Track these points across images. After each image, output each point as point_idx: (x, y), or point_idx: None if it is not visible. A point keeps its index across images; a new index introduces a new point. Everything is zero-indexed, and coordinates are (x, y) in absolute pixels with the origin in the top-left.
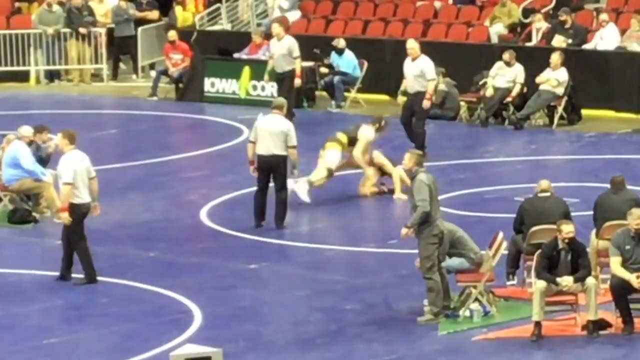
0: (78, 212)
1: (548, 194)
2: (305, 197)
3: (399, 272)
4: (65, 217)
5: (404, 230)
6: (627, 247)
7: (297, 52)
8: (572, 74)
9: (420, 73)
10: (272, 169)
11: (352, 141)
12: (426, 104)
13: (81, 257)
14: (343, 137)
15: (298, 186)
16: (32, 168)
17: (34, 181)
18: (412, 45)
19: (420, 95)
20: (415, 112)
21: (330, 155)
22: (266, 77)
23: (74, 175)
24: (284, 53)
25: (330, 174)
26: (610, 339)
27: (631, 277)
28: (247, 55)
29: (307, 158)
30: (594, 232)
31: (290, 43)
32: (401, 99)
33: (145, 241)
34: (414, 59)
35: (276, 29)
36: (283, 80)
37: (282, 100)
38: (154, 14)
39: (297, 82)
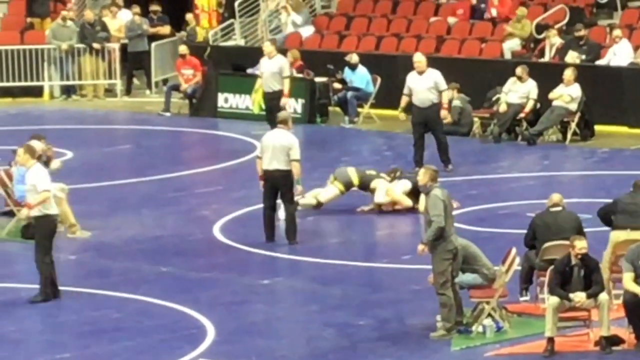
0: (50, 224)
1: (560, 208)
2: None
3: (412, 288)
4: (26, 213)
5: (420, 247)
6: None
7: (287, 71)
8: (585, 90)
9: (433, 85)
10: (278, 184)
11: (363, 185)
12: (445, 114)
13: (41, 272)
14: (355, 178)
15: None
16: (21, 192)
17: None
18: (420, 58)
19: (435, 107)
20: (432, 125)
21: (328, 191)
22: (253, 95)
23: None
24: (274, 71)
25: (318, 205)
26: (623, 355)
27: None
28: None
29: (320, 173)
30: (607, 250)
31: (281, 62)
32: (403, 116)
33: (158, 256)
34: (421, 73)
35: (268, 47)
36: (273, 100)
37: (286, 114)
38: (166, 29)
39: (284, 101)
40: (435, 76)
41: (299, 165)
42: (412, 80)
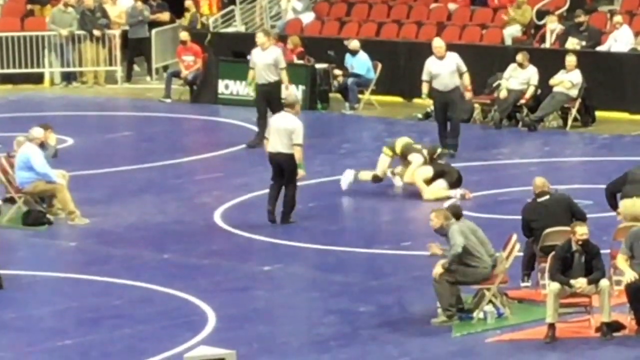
0: None
1: (547, 196)
2: (344, 184)
3: (413, 274)
4: None
5: (437, 269)
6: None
7: (283, 63)
8: (586, 76)
9: (455, 68)
10: (280, 166)
11: (403, 155)
12: (469, 95)
13: None
14: (398, 146)
15: (345, 173)
16: (44, 170)
17: (47, 183)
18: (440, 44)
19: (457, 90)
20: (451, 108)
21: (380, 162)
22: (250, 89)
23: None
24: (268, 63)
25: (375, 178)
26: (624, 341)
27: (628, 272)
28: None
29: (321, 160)
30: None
31: (276, 54)
32: (428, 101)
33: (159, 243)
34: (442, 58)
35: (261, 38)
36: (269, 92)
37: (293, 98)
38: (165, 16)
39: (288, 91)
40: (456, 59)
41: (300, 150)
42: (434, 65)
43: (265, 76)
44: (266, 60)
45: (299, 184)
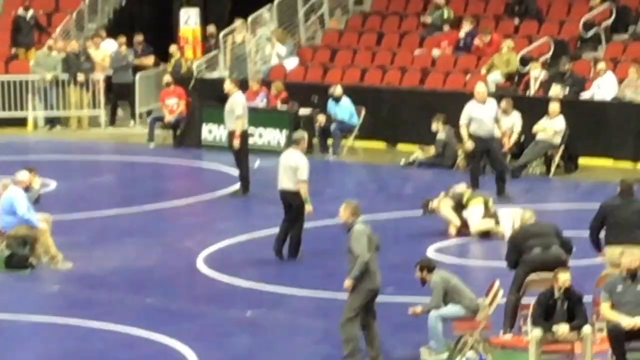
0: None
1: (534, 221)
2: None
3: (396, 320)
4: None
5: (347, 283)
6: (619, 288)
7: (238, 110)
8: (569, 123)
9: (495, 114)
10: (288, 202)
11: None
12: (507, 141)
13: None
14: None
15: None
16: (27, 216)
17: (29, 228)
18: (482, 89)
19: (497, 138)
20: (494, 155)
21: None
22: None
23: None
24: (227, 110)
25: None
26: None
27: (620, 318)
28: None
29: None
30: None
31: (233, 100)
32: (471, 145)
33: (142, 287)
34: (483, 102)
35: (226, 85)
36: (229, 140)
37: (298, 135)
38: (149, 60)
39: (235, 143)
40: (495, 105)
41: (305, 186)
42: (475, 110)
43: (228, 123)
44: (227, 106)
45: (306, 222)
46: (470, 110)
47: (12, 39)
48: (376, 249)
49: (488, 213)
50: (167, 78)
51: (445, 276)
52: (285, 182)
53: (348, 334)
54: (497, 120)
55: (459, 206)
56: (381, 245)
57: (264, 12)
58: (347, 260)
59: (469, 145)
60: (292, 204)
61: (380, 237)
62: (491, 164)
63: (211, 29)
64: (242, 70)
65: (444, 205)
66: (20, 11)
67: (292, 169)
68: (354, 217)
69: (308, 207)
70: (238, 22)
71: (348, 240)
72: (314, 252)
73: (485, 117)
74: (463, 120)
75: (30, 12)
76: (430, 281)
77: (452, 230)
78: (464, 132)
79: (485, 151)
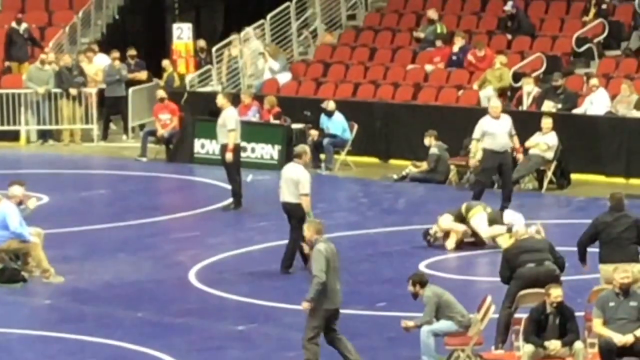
0: None
1: (526, 235)
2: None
3: (388, 335)
4: None
5: (304, 304)
6: (612, 304)
7: (231, 124)
8: (562, 139)
9: (509, 129)
10: (289, 215)
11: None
12: (521, 157)
13: None
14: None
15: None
16: (19, 230)
17: (21, 242)
18: (497, 104)
19: (509, 152)
20: (506, 169)
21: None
22: None
23: None
24: (219, 124)
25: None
26: None
27: (612, 334)
28: None
29: None
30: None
31: (226, 114)
32: (476, 161)
33: (134, 302)
34: (497, 118)
35: (219, 99)
36: (222, 154)
37: (300, 149)
38: (142, 75)
39: (228, 156)
40: (510, 121)
41: (307, 199)
42: (490, 125)
43: (221, 137)
44: (220, 121)
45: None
46: (483, 125)
47: (5, 53)
48: (333, 269)
49: (491, 220)
50: (161, 93)
51: (438, 291)
52: (287, 195)
53: (309, 353)
54: (511, 135)
55: (460, 220)
56: (339, 265)
57: (257, 27)
58: (309, 280)
59: (475, 161)
60: (293, 215)
61: (339, 255)
62: (502, 181)
63: (201, 43)
64: (236, 84)
65: (443, 219)
66: (14, 24)
67: (294, 182)
68: (317, 235)
69: (310, 218)
70: (234, 36)
71: (310, 258)
72: (304, 266)
73: (499, 131)
74: (476, 135)
75: (24, 26)
76: (422, 296)
77: (450, 244)
78: (474, 146)
79: (498, 166)
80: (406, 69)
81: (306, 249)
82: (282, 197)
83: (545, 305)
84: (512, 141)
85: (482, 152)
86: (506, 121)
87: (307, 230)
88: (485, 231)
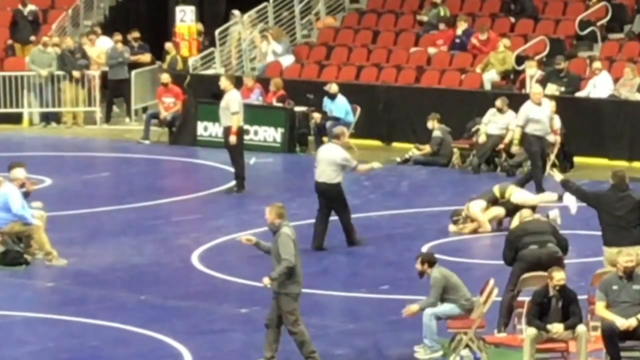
0: None
1: (530, 218)
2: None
3: (390, 318)
4: None
5: (266, 280)
6: (615, 287)
7: (234, 107)
8: (565, 122)
9: (550, 114)
10: (325, 196)
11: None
12: (557, 138)
13: None
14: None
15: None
16: (21, 212)
17: (23, 225)
18: (539, 90)
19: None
20: (544, 154)
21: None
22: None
23: None
24: (222, 107)
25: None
26: None
27: (615, 318)
28: None
29: (298, 202)
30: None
31: (229, 97)
32: (517, 148)
33: (137, 284)
34: (540, 103)
35: (222, 81)
36: (225, 137)
37: (339, 130)
38: (146, 57)
39: (232, 139)
40: (549, 105)
41: (361, 167)
42: (533, 111)
43: (224, 120)
44: (222, 103)
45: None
46: (527, 111)
47: (10, 35)
48: (298, 253)
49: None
50: (165, 77)
51: (446, 273)
52: (323, 176)
53: (299, 336)
54: (551, 119)
55: (494, 203)
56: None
57: (260, 9)
58: (272, 265)
59: (517, 149)
60: (327, 197)
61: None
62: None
63: (199, 26)
64: (241, 66)
65: (473, 205)
66: (20, 6)
67: (331, 162)
68: (280, 219)
69: (375, 165)
70: (239, 18)
71: (274, 243)
72: (307, 250)
73: (542, 117)
74: (520, 122)
75: (29, 8)
76: (430, 276)
77: (461, 229)
78: (517, 133)
79: (543, 150)
80: (409, 51)
81: (244, 238)
82: (318, 177)
83: (548, 288)
84: (552, 124)
85: (525, 138)
86: (547, 106)
87: (269, 214)
88: (536, 198)
